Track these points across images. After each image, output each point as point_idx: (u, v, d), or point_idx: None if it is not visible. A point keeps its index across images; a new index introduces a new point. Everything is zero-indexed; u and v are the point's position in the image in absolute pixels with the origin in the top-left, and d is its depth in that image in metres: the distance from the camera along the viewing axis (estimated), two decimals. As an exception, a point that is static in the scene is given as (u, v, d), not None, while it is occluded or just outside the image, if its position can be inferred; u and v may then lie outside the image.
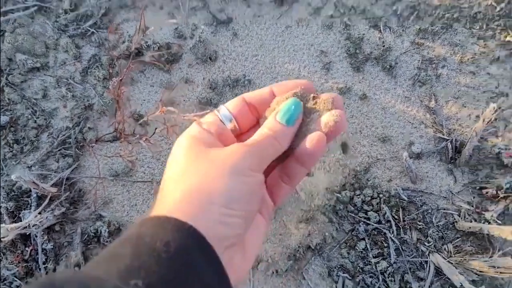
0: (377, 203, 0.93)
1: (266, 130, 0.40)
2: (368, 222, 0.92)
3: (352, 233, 0.92)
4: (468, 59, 1.03)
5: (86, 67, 1.07)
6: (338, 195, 0.95)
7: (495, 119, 0.97)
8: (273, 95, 0.44)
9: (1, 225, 0.86)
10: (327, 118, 0.40)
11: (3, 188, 0.98)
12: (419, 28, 1.06)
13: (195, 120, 0.41)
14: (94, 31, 1.09)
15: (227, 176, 0.34)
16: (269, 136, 0.39)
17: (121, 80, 0.95)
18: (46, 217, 0.94)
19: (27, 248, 0.96)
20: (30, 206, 0.96)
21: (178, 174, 0.35)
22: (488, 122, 0.90)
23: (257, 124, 0.44)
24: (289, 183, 0.43)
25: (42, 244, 0.95)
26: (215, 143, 0.39)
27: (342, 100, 0.43)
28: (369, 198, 0.95)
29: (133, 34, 1.06)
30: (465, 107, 1.01)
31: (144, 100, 1.06)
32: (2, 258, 0.95)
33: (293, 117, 0.41)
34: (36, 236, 0.94)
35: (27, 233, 0.95)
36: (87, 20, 1.10)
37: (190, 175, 0.34)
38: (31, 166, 1.00)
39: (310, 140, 0.40)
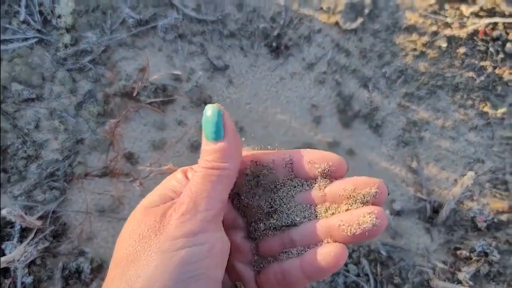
0: (357, 256, 1.14)
1: (201, 165, 0.40)
2: (347, 274, 1.13)
3: (332, 284, 1.12)
4: (449, 125, 1.29)
5: (81, 101, 1.27)
6: (320, 246, 1.16)
7: (472, 184, 1.21)
8: (288, 165, 0.44)
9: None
10: (362, 217, 0.38)
11: (-13, 216, 1.14)
12: (406, 92, 1.32)
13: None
14: (92, 66, 1.30)
15: (158, 257, 0.35)
16: (205, 168, 0.40)
17: (118, 121, 1.16)
18: (30, 252, 1.10)
19: (6, 280, 1.11)
20: (13, 237, 1.12)
21: (121, 266, 0.37)
22: (465, 188, 1.14)
23: None
24: (284, 286, 0.43)
25: (22, 277, 1.11)
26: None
27: (386, 192, 0.40)
28: (350, 251, 1.16)
29: (134, 76, 1.27)
30: (444, 170, 1.25)
31: (137, 138, 1.26)
32: (-22, 288, 1.09)
33: (218, 126, 0.39)
34: (17, 269, 1.10)
35: (8, 266, 1.10)
36: (86, 56, 1.31)
37: (134, 270, 0.36)
38: (17, 196, 1.17)
39: (326, 254, 0.39)
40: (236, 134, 0.41)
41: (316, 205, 0.43)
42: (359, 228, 0.38)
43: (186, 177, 0.43)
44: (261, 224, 0.45)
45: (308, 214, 0.44)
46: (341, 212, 0.41)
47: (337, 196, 0.41)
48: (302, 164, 0.43)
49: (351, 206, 0.40)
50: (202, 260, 0.37)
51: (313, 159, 0.42)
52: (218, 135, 0.39)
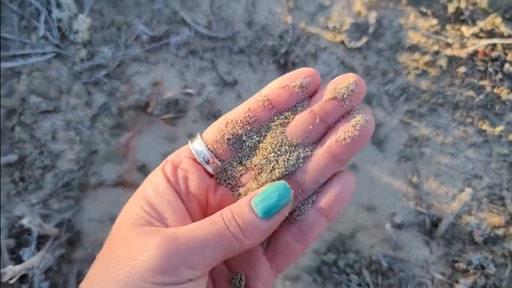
0: (359, 267, 1.21)
1: (226, 215, 0.37)
2: (349, 283, 1.19)
3: (334, 293, 1.19)
4: (448, 141, 1.36)
5: (96, 114, 1.34)
6: (324, 256, 1.23)
7: (470, 199, 1.28)
8: (267, 106, 0.41)
9: (9, 266, 1.09)
10: (353, 118, 0.39)
11: (5, 225, 1.21)
12: (408, 109, 1.38)
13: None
14: (107, 80, 1.37)
15: (138, 283, 0.34)
16: (224, 227, 0.36)
17: (133, 135, 1.23)
18: (48, 258, 1.16)
19: (23, 286, 1.17)
20: (31, 244, 1.19)
21: (96, 277, 0.36)
22: (463, 203, 1.21)
23: None
24: (303, 240, 0.42)
25: (39, 283, 1.17)
26: (161, 215, 0.38)
27: (363, 82, 0.40)
28: (352, 261, 1.22)
29: (147, 90, 1.34)
30: (443, 184, 1.32)
31: (149, 150, 1.33)
32: (-3, 292, 1.16)
33: (276, 207, 0.37)
34: (35, 275, 1.17)
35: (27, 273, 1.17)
36: (101, 70, 1.38)
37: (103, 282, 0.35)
38: (34, 204, 1.24)
39: (339, 188, 0.40)
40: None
41: (311, 130, 0.42)
42: (355, 129, 0.39)
43: (166, 179, 0.41)
44: (259, 185, 0.43)
45: (308, 145, 0.43)
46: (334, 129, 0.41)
47: (323, 104, 0.41)
48: (277, 93, 0.42)
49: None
50: None
51: (286, 82, 0.41)
52: (269, 214, 0.37)
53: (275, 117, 0.43)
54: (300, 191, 0.42)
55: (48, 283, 1.16)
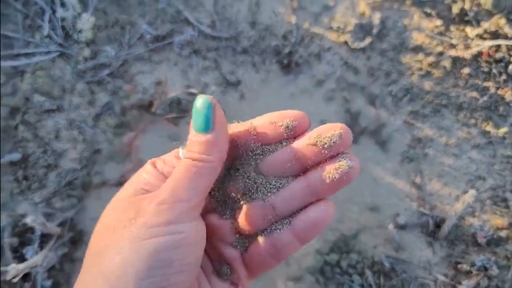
0: (362, 268, 1.21)
1: (185, 153, 0.41)
2: (351, 284, 1.19)
3: (337, 294, 1.19)
4: (452, 142, 1.36)
5: (99, 113, 1.35)
6: (326, 257, 1.23)
7: (473, 201, 1.28)
8: (253, 135, 0.44)
9: (12, 264, 1.09)
10: (338, 162, 0.41)
11: (9, 224, 1.21)
12: (411, 110, 1.39)
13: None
14: (110, 80, 1.37)
15: (130, 245, 0.36)
16: (188, 160, 0.40)
17: (137, 135, 1.23)
18: (51, 257, 1.17)
19: (26, 284, 1.18)
20: (34, 242, 1.20)
21: (96, 256, 0.39)
22: (467, 204, 1.21)
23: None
24: (276, 257, 0.45)
25: (42, 281, 1.18)
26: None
27: (350, 134, 0.42)
28: (355, 262, 1.22)
29: (151, 89, 1.35)
30: (446, 186, 1.32)
31: (152, 149, 1.33)
32: (0, 291, 1.17)
33: (207, 118, 0.40)
34: (38, 273, 1.17)
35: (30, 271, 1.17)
36: (104, 69, 1.39)
37: (108, 258, 0.37)
38: (37, 203, 1.25)
39: (316, 212, 0.42)
40: (226, 128, 0.41)
41: (288, 168, 0.44)
42: (337, 172, 0.41)
43: (156, 169, 0.44)
44: (238, 204, 0.46)
45: (284, 178, 0.45)
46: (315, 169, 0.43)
47: (304, 147, 0.43)
48: (265, 127, 0.44)
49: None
50: (175, 249, 0.37)
51: (275, 119, 0.43)
52: (206, 127, 0.39)
53: (259, 147, 0.46)
54: (274, 214, 0.45)
55: (50, 282, 1.17)
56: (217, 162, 0.40)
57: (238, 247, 0.47)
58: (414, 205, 1.30)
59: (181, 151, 0.45)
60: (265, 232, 0.45)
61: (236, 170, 0.46)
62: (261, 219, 0.45)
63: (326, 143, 0.42)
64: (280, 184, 0.45)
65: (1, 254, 1.17)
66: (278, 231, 0.44)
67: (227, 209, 0.47)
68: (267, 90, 1.41)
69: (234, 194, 0.47)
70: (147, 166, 0.44)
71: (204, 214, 0.45)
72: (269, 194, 0.45)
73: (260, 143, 0.45)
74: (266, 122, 0.44)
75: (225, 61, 1.42)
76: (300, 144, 0.43)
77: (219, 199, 0.47)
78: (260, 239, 0.45)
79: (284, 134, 0.44)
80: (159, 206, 0.38)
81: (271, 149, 0.45)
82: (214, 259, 0.48)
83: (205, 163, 0.40)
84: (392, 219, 1.28)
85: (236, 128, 0.45)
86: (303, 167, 0.44)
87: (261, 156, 0.46)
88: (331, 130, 0.42)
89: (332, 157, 0.42)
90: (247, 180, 0.46)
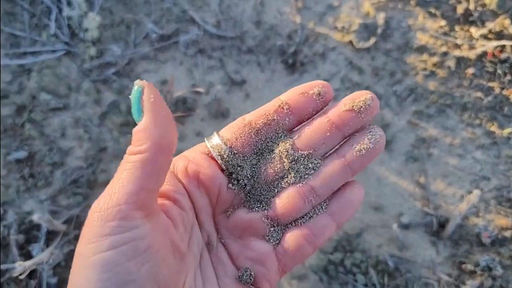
0: (366, 267, 1.22)
1: (129, 149, 0.38)
2: (355, 283, 1.20)
3: (341, 292, 1.19)
4: (456, 143, 1.36)
5: (105, 111, 1.36)
6: (330, 256, 1.23)
7: (477, 201, 1.28)
8: (286, 110, 0.43)
9: (19, 261, 1.10)
10: (369, 132, 0.43)
11: (15, 221, 1.22)
12: (415, 110, 1.39)
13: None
14: (116, 78, 1.38)
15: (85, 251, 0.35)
16: (123, 161, 0.37)
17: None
18: (57, 254, 1.18)
19: (32, 281, 1.19)
20: (40, 240, 1.21)
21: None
22: (471, 204, 1.22)
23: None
24: (313, 242, 0.43)
25: (47, 278, 1.19)
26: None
27: (376, 99, 0.43)
28: (359, 261, 1.23)
29: (156, 88, 1.36)
30: (451, 186, 1.33)
31: (157, 148, 1.34)
32: None
33: (138, 105, 0.38)
34: (43, 270, 1.18)
35: (36, 268, 1.18)
36: (110, 68, 1.40)
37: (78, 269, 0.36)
38: (43, 201, 1.26)
39: (351, 194, 0.43)
40: (163, 111, 0.38)
41: (328, 137, 0.44)
42: (370, 142, 0.43)
43: (172, 174, 0.44)
44: (275, 190, 0.46)
45: (319, 157, 0.45)
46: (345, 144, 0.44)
47: (341, 114, 0.43)
48: (296, 98, 0.44)
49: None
50: (123, 263, 0.34)
51: (303, 89, 0.44)
52: (138, 115, 0.37)
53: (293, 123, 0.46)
54: (314, 195, 0.44)
55: (56, 279, 1.18)
56: (153, 152, 0.36)
57: (271, 240, 0.45)
58: (418, 204, 1.30)
59: (207, 143, 0.44)
60: (303, 218, 0.45)
61: (271, 152, 0.46)
62: (302, 203, 0.44)
63: (362, 106, 0.43)
64: (318, 163, 0.45)
65: (8, 251, 1.19)
66: (316, 215, 0.44)
67: (258, 200, 0.46)
68: (272, 89, 1.41)
69: (271, 179, 0.45)
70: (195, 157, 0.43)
71: (229, 211, 0.45)
72: (307, 175, 0.45)
73: (295, 118, 0.45)
74: (295, 94, 0.44)
75: (230, 60, 1.43)
76: (336, 111, 0.44)
77: (250, 190, 0.46)
78: (296, 227, 0.44)
79: (318, 101, 0.44)
80: (97, 215, 0.35)
81: (305, 124, 0.45)
82: (239, 261, 0.46)
83: (138, 156, 0.36)
84: (396, 218, 1.29)
85: (265, 107, 0.45)
86: (343, 136, 0.44)
87: (297, 133, 0.45)
88: (362, 95, 0.43)
89: (360, 130, 0.44)
90: (286, 160, 0.45)
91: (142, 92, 0.38)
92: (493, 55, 1.42)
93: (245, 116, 0.45)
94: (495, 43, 1.42)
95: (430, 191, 1.31)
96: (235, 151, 0.44)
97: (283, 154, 0.45)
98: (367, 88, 1.42)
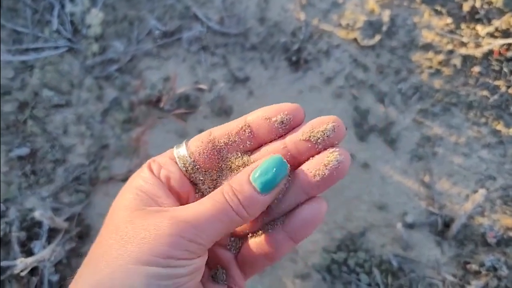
0: (369, 266, 1.21)
1: (228, 193, 0.39)
2: (358, 283, 1.19)
3: (344, 292, 1.19)
4: (462, 141, 1.35)
5: (107, 108, 1.35)
6: (334, 255, 1.23)
7: (483, 200, 1.27)
8: (247, 133, 0.43)
9: (21, 258, 1.10)
10: (326, 158, 0.40)
11: (17, 218, 1.22)
12: (420, 108, 1.38)
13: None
14: (119, 75, 1.38)
15: (134, 267, 0.35)
16: (226, 205, 0.38)
17: (144, 130, 1.24)
18: (58, 252, 1.18)
19: (33, 278, 1.19)
20: (41, 237, 1.20)
21: (92, 260, 0.38)
22: (476, 204, 1.21)
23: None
24: (270, 257, 0.44)
25: (49, 275, 1.19)
26: (156, 200, 0.41)
27: (343, 126, 0.41)
28: (362, 260, 1.22)
29: (159, 85, 1.35)
30: (456, 185, 1.31)
31: (159, 145, 1.33)
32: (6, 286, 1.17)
33: (273, 182, 0.39)
34: (45, 268, 1.18)
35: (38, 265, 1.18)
36: (112, 64, 1.39)
37: (100, 268, 0.36)
38: (45, 198, 1.26)
39: (309, 210, 0.42)
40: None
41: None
42: (326, 169, 0.40)
43: (153, 174, 0.43)
44: None
45: None
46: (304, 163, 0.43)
47: (297, 142, 0.42)
48: (260, 124, 0.43)
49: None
50: (170, 279, 0.36)
51: (269, 114, 0.43)
52: (268, 189, 0.39)
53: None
54: (268, 215, 0.45)
55: (58, 276, 1.18)
56: (246, 221, 0.40)
57: (232, 249, 0.47)
58: (423, 204, 1.29)
59: (175, 151, 0.45)
60: (258, 232, 0.45)
61: (230, 169, 0.46)
62: (254, 220, 0.45)
63: (319, 138, 0.41)
64: None
65: (10, 248, 1.18)
66: (270, 230, 0.44)
67: None
68: (275, 86, 1.41)
69: None
70: (144, 171, 0.44)
71: None
72: None
73: (255, 141, 0.45)
74: (260, 117, 0.43)
75: (234, 57, 1.42)
76: (293, 139, 0.42)
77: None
78: (253, 240, 0.45)
79: (280, 130, 0.43)
80: (176, 239, 0.37)
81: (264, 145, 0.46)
82: (209, 263, 0.47)
83: (239, 218, 0.39)
84: (400, 218, 1.28)
85: (229, 126, 0.45)
86: (298, 163, 0.43)
87: (256, 152, 0.45)
88: (324, 124, 0.41)
89: (320, 152, 0.42)
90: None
91: (283, 178, 0.40)
92: (500, 53, 1.41)
93: (211, 131, 0.46)
94: (501, 41, 1.40)
95: (435, 190, 1.30)
96: (197, 165, 0.45)
97: (240, 171, 0.45)
98: (371, 86, 1.41)
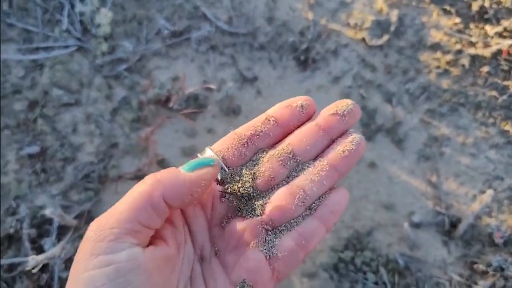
0: (376, 265, 1.22)
1: (151, 177, 0.42)
2: (365, 282, 1.21)
3: (351, 291, 1.20)
4: (469, 142, 1.36)
5: (116, 107, 1.37)
6: (341, 254, 1.24)
7: (490, 201, 1.28)
8: (272, 122, 0.48)
9: (32, 255, 1.13)
10: (351, 136, 0.47)
11: (27, 215, 1.24)
12: (428, 108, 1.39)
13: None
14: (128, 74, 1.40)
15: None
16: (138, 185, 0.42)
17: (153, 130, 1.26)
18: (68, 249, 1.20)
19: (44, 275, 1.21)
20: (51, 234, 1.23)
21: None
22: (484, 204, 1.22)
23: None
24: (304, 247, 0.46)
25: (59, 272, 1.21)
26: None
27: (358, 106, 0.49)
28: (369, 259, 1.24)
29: (167, 84, 1.37)
30: (463, 185, 1.32)
31: (168, 145, 1.35)
32: (18, 282, 1.20)
33: (198, 165, 0.43)
34: (55, 264, 1.20)
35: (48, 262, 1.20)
36: (122, 64, 1.41)
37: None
38: (55, 196, 1.28)
39: (337, 198, 0.46)
40: (200, 188, 0.43)
41: (316, 140, 0.48)
42: (352, 144, 0.47)
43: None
44: (267, 196, 0.48)
45: (310, 156, 0.49)
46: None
47: (327, 117, 0.48)
48: (281, 111, 0.48)
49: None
50: (105, 284, 0.37)
51: (287, 103, 0.48)
52: (188, 167, 0.43)
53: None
54: (305, 196, 0.47)
55: (67, 273, 1.20)
56: (153, 189, 0.41)
57: (265, 247, 0.46)
58: (430, 204, 1.30)
59: (201, 157, 0.47)
60: (293, 222, 0.47)
61: (260, 160, 0.49)
62: (292, 204, 0.46)
63: (345, 110, 0.48)
64: (306, 166, 0.49)
65: (20, 245, 1.21)
66: (304, 219, 0.47)
67: (251, 208, 0.48)
68: (283, 86, 1.42)
69: (262, 186, 0.48)
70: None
71: (224, 222, 0.48)
72: (296, 178, 0.48)
73: (281, 129, 0.49)
74: (280, 108, 0.48)
75: (242, 57, 1.44)
76: (322, 116, 0.48)
77: (243, 199, 0.49)
78: (288, 232, 0.47)
79: (302, 113, 0.48)
80: (90, 232, 0.39)
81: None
82: (232, 273, 0.46)
83: (144, 186, 0.42)
84: (407, 217, 1.29)
85: (253, 121, 0.49)
86: (330, 138, 0.48)
87: (285, 141, 0.49)
88: (344, 103, 0.49)
89: (342, 135, 0.48)
90: (275, 166, 0.48)
91: (208, 166, 0.43)
92: (508, 53, 1.41)
93: (235, 130, 0.49)
94: (510, 41, 1.41)
95: (442, 190, 1.31)
96: (227, 163, 0.48)
97: (273, 160, 0.48)
98: (379, 86, 1.42)
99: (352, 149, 0.46)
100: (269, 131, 0.48)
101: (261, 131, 0.48)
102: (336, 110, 0.48)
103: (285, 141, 0.49)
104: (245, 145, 0.48)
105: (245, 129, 0.48)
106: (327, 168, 0.47)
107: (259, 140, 0.48)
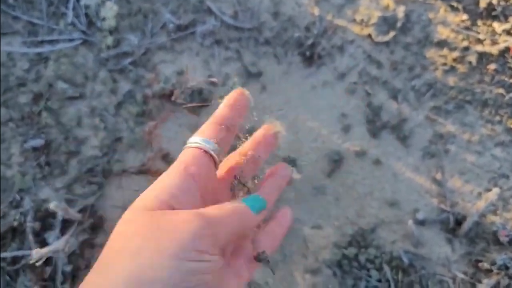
0: (380, 262, 1.22)
1: (237, 203, 0.45)
2: (369, 279, 1.21)
3: (354, 288, 1.20)
4: (475, 139, 1.36)
5: (121, 101, 1.37)
6: (344, 250, 1.24)
7: (496, 199, 1.28)
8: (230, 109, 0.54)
9: (36, 249, 1.13)
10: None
11: (31, 208, 1.25)
12: (434, 105, 1.38)
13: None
14: (133, 68, 1.40)
15: (167, 261, 0.35)
16: (238, 210, 0.44)
17: (157, 124, 1.26)
18: (72, 242, 1.20)
19: (47, 268, 1.22)
20: (55, 227, 1.23)
21: (117, 252, 0.38)
22: (489, 202, 1.21)
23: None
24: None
25: (63, 266, 1.21)
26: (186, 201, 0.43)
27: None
28: (373, 256, 1.24)
29: (172, 78, 1.37)
30: (468, 183, 1.32)
31: (172, 139, 1.35)
32: (22, 276, 1.20)
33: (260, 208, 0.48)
34: (59, 258, 1.21)
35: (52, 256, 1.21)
36: (127, 57, 1.41)
37: (130, 257, 0.36)
38: (59, 189, 1.28)
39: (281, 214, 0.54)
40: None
41: None
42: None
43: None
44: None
45: None
46: None
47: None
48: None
49: None
50: (203, 275, 0.37)
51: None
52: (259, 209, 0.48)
53: None
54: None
55: (71, 267, 1.20)
56: (245, 231, 0.48)
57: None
58: (435, 201, 1.30)
59: (198, 143, 0.52)
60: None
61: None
62: None
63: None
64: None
65: (24, 238, 1.21)
66: None
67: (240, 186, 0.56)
68: (288, 82, 1.42)
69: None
70: (177, 179, 0.46)
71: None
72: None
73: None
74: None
75: (247, 52, 1.43)
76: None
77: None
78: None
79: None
80: (207, 222, 0.39)
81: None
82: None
83: (252, 220, 0.46)
84: (411, 214, 1.29)
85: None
86: None
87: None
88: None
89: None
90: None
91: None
92: (516, 50, 1.40)
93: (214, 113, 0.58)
94: (518, 38, 1.40)
95: (447, 188, 1.31)
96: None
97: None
98: (385, 82, 1.42)
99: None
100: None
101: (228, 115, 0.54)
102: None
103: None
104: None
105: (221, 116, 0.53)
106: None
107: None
